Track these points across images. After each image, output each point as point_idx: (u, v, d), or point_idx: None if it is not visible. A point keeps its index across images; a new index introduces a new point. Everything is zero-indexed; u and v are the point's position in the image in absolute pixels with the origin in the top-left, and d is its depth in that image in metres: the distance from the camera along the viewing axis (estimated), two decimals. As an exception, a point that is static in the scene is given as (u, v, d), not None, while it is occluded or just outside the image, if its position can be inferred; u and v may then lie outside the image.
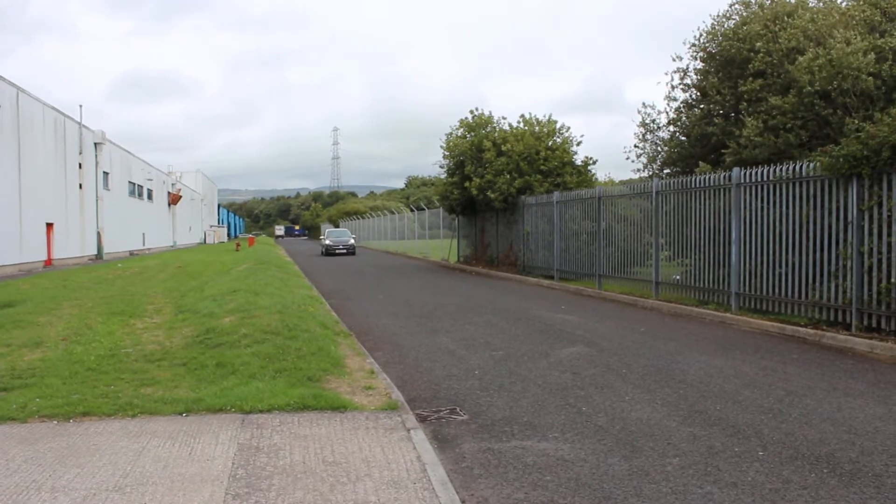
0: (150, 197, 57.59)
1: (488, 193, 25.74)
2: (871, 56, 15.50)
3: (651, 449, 6.11)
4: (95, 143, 40.12)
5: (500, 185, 25.45)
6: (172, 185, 68.24)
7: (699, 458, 5.86)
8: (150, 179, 57.08)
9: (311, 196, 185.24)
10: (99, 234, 40.42)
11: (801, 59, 16.42)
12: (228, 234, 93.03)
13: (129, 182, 50.34)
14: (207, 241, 76.70)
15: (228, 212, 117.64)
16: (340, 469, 5.47)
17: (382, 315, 15.19)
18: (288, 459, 5.68)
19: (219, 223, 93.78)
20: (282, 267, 26.95)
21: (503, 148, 26.18)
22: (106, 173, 42.72)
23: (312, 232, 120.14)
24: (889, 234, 10.48)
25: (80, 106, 37.69)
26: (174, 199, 66.89)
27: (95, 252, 39.95)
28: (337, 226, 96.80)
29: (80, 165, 37.68)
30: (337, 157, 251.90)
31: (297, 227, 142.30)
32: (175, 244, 66.55)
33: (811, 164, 12.09)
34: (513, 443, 6.36)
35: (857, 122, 13.21)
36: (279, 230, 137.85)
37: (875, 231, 10.74)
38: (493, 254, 28.12)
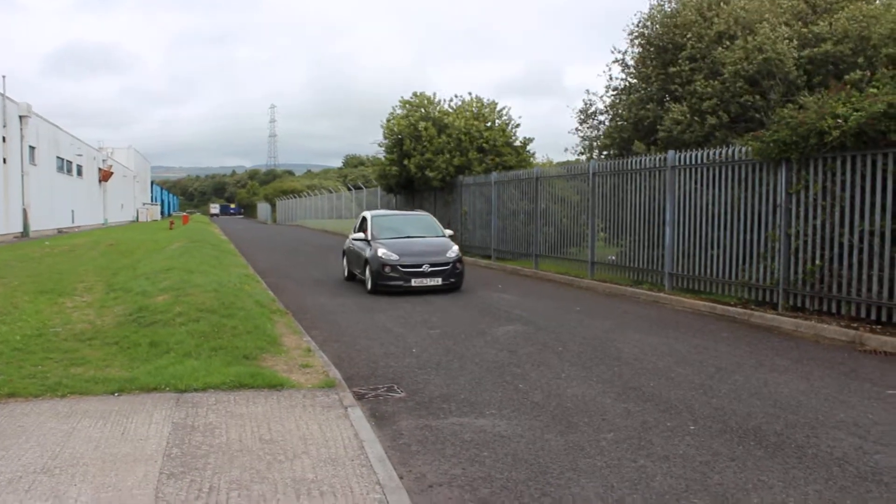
0: (79, 173, 55.74)
1: (427, 172, 25.70)
2: (795, 43, 15.92)
3: (586, 424, 6.23)
4: (20, 116, 38.59)
5: (438, 165, 25.43)
6: (104, 161, 66.31)
7: (633, 432, 6.00)
8: (80, 155, 55.20)
9: (248, 174, 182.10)
10: (25, 211, 39.02)
11: (729, 44, 16.78)
12: (162, 213, 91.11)
13: (58, 157, 48.52)
14: (140, 219, 74.98)
15: (162, 189, 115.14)
16: (277, 447, 5.44)
17: (320, 293, 15.11)
18: (224, 438, 5.62)
19: (152, 201, 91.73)
20: (217, 245, 26.49)
21: (443, 127, 26.14)
22: (32, 148, 41.12)
23: (248, 210, 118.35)
24: (814, 218, 10.81)
25: (3, 77, 36.17)
26: (105, 176, 65.06)
27: (21, 230, 38.62)
28: (273, 205, 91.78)
29: (2, 139, 36.31)
30: (274, 134, 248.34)
31: (232, 206, 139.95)
32: (106, 222, 64.85)
33: (743, 149, 12.37)
34: (450, 419, 6.41)
35: (781, 108, 13.53)
36: (214, 208, 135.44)
37: (802, 214, 11.06)
38: (431, 233, 28.08)
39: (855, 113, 10.00)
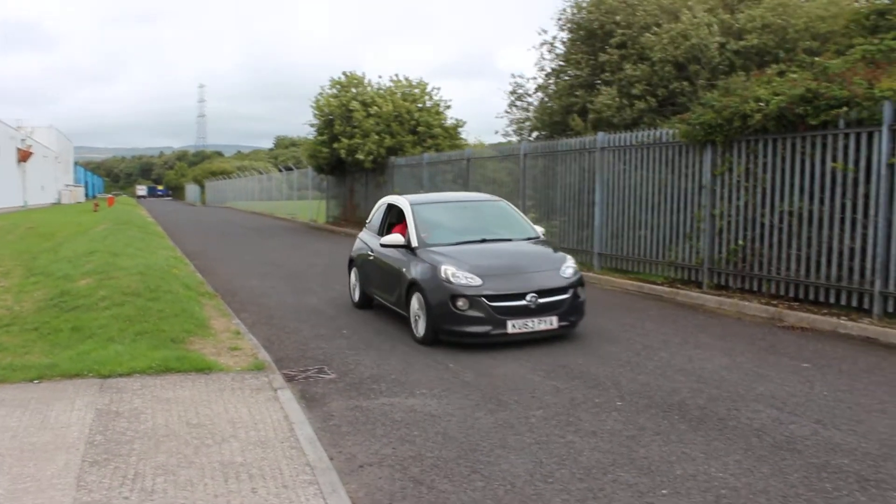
0: (-5, 153, 53.72)
1: (357, 154, 25.51)
2: (716, 29, 16.29)
3: (516, 402, 6.30)
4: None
5: (369, 146, 25.27)
6: (22, 140, 63.96)
7: (561, 409, 6.09)
8: (-4, 134, 53.16)
9: (176, 155, 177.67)
10: (-64, 193, 37.49)
11: (655, 30, 17.08)
12: (86, 195, 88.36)
13: (-30, 136, 46.64)
14: (63, 202, 72.58)
15: (86, 171, 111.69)
16: (205, 431, 5.37)
17: (249, 276, 14.89)
18: (150, 423, 5.52)
19: (75, 182, 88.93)
20: (143, 227, 25.86)
21: (373, 109, 25.97)
22: (-57, 126, 39.46)
23: (177, 192, 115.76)
24: (738, 199, 11.10)
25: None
26: (24, 157, 62.68)
27: (-67, 212, 37.08)
28: (202, 187, 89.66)
29: None
30: (203, 115, 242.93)
31: (160, 188, 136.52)
32: (26, 204, 62.61)
33: (670, 131, 12.60)
34: (381, 400, 6.41)
35: (707, 93, 13.83)
36: (141, 190, 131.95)
37: (726, 195, 11.34)
38: (363, 214, 27.89)
39: (776, 97, 10.26)
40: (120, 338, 7.91)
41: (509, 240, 9.60)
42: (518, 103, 23.37)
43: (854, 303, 9.45)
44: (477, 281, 8.25)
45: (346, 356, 8.02)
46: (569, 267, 8.86)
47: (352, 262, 11.38)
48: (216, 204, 72.88)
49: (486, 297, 8.13)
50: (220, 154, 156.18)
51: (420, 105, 26.92)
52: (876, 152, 9.16)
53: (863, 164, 9.34)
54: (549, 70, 22.31)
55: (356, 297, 11.10)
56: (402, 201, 10.29)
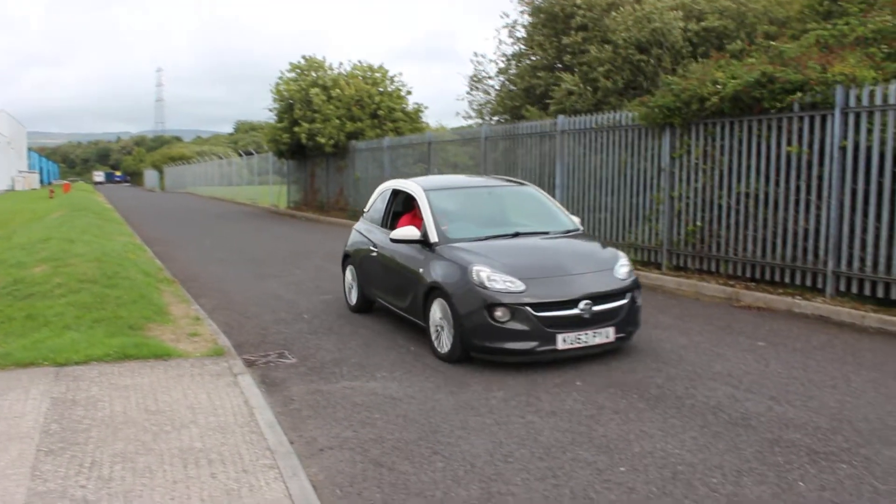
0: (-56, 139, 52.34)
1: (318, 138, 25.31)
2: (679, 13, 16.42)
3: (477, 384, 6.33)
4: None
5: (329, 130, 25.09)
6: (-28, 125, 62.48)
7: (521, 390, 6.13)
8: (-56, 119, 51.74)
9: (134, 140, 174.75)
10: None
11: (616, 13, 17.17)
12: (41, 181, 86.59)
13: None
14: (17, 188, 71.14)
15: (40, 156, 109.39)
16: (164, 417, 5.32)
17: (209, 262, 14.74)
18: (108, 411, 5.46)
19: (29, 169, 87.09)
20: (100, 214, 25.45)
21: (333, 93, 25.78)
22: None
23: (135, 178, 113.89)
24: (696, 181, 11.23)
25: None
26: (-25, 142, 61.32)
27: None
28: (161, 172, 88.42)
29: None
30: (161, 99, 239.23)
31: (118, 173, 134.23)
32: (-23, 191, 61.30)
33: (630, 114, 12.69)
34: (341, 384, 6.40)
35: (668, 76, 13.94)
36: (98, 176, 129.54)
37: (684, 177, 11.46)
38: (324, 199, 27.81)
39: (732, 80, 10.38)
40: (76, 325, 7.78)
41: (546, 233, 8.04)
42: (479, 86, 23.38)
43: (808, 282, 9.64)
44: (519, 285, 6.68)
45: (306, 340, 7.99)
46: (623, 266, 7.39)
47: (347, 259, 9.78)
48: (176, 190, 71.95)
49: (530, 305, 6.59)
50: (179, 139, 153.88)
51: (381, 89, 26.79)
52: (829, 135, 9.32)
53: (816, 146, 9.51)
54: (511, 54, 22.35)
55: (353, 299, 9.49)
56: (412, 187, 8.63)
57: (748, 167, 10.40)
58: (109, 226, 20.49)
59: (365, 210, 9.94)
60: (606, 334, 6.82)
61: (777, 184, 10.01)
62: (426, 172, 19.92)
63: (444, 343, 7.07)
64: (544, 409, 5.68)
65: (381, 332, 8.30)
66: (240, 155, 49.70)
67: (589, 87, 17.36)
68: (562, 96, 17.64)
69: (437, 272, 7.26)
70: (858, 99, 9.04)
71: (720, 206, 10.83)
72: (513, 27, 21.98)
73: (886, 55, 9.93)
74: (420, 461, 4.71)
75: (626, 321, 7.04)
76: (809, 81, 9.50)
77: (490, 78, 23.37)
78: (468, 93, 23.48)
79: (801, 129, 9.71)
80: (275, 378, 6.64)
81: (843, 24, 11.98)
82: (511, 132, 16.25)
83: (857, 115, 9.05)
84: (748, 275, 10.41)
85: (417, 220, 8.26)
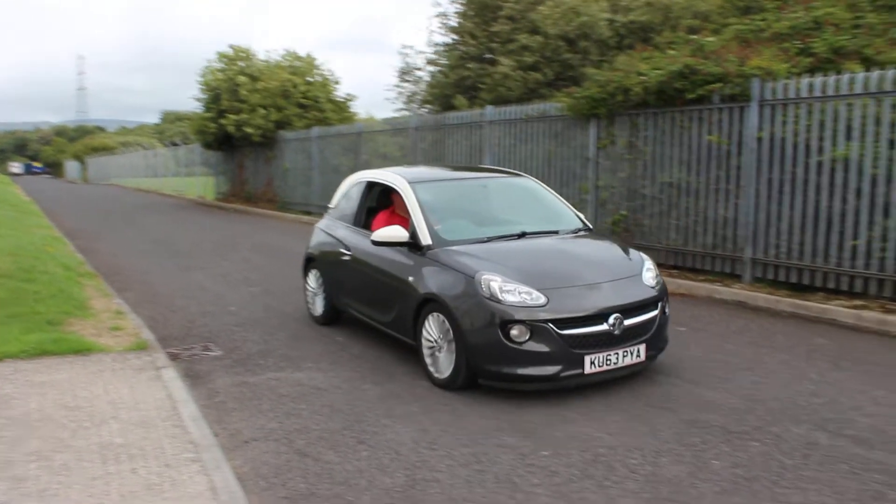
0: None
1: (245, 128, 24.92)
2: (605, 5, 16.69)
3: (403, 374, 6.35)
4: None
5: (257, 120, 24.72)
6: None
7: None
8: None
9: (54, 130, 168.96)
10: None
11: (543, 7, 17.35)
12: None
13: None
14: (-72, 180, 68.17)
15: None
16: (83, 414, 5.20)
17: (133, 254, 14.39)
18: (23, 409, 5.30)
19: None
20: (18, 206, 24.62)
21: (260, 84, 25.40)
22: None
23: (56, 169, 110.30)
24: (621, 171, 11.44)
25: None
26: None
27: None
28: (84, 163, 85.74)
29: None
30: (83, 88, 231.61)
31: (37, 165, 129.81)
32: None
33: (557, 105, 12.85)
34: (267, 375, 6.35)
35: (594, 68, 14.18)
36: (16, 167, 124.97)
37: (609, 167, 11.67)
38: (252, 190, 27.42)
39: (656, 72, 10.60)
40: (-10, 321, 7.53)
41: (555, 232, 6.92)
42: (409, 77, 23.36)
43: (728, 269, 9.94)
44: (538, 297, 5.58)
45: (232, 333, 7.89)
46: (649, 270, 6.36)
47: (311, 262, 8.52)
48: (99, 181, 69.95)
49: (553, 321, 5.51)
50: (102, 129, 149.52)
51: (309, 79, 26.50)
52: (747, 126, 9.61)
53: (735, 137, 9.79)
54: (442, 43, 22.41)
55: (318, 309, 8.27)
56: (393, 179, 7.33)
57: (671, 157, 10.65)
58: (27, 218, 19.84)
59: (330, 206, 8.69)
60: (637, 353, 5.80)
61: (698, 173, 10.28)
62: (355, 163, 19.82)
63: (443, 367, 5.92)
64: (469, 396, 5.73)
65: (309, 325, 8.25)
66: (166, 146, 48.51)
67: (522, 74, 17.51)
68: (497, 81, 17.76)
69: (432, 281, 6.08)
70: (774, 92, 9.34)
71: (644, 196, 11.06)
72: (445, 16, 22.04)
73: (800, 50, 10.27)
74: (345, 450, 4.72)
75: (657, 336, 6.04)
76: (728, 74, 9.77)
77: (420, 69, 23.42)
78: (398, 85, 23.43)
79: (720, 121, 9.98)
80: (199, 371, 6.54)
81: (760, 19, 12.33)
82: (440, 122, 16.30)
83: (773, 108, 9.35)
84: (672, 262, 10.68)
85: (397, 218, 7.22)
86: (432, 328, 6.05)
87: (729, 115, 9.86)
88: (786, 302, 8.68)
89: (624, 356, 5.71)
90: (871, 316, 7.85)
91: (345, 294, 7.75)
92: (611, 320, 5.65)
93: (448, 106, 20.22)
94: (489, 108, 14.64)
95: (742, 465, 4.38)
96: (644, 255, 6.65)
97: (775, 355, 6.73)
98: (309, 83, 26.17)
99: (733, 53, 10.20)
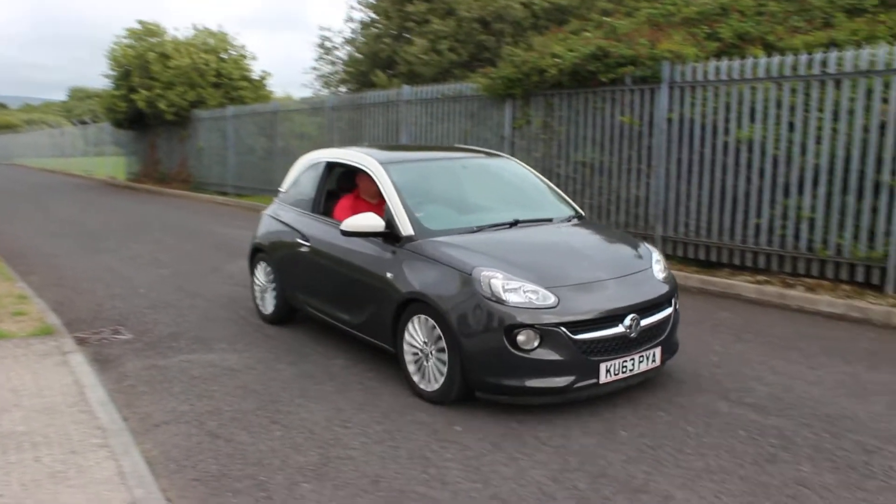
0: None
1: (158, 106, 24.21)
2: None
3: (318, 354, 6.33)
4: None
5: (170, 98, 24.05)
6: None
7: (362, 357, 6.17)
8: None
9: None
10: None
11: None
12: None
13: None
14: None
15: None
16: (-18, 401, 5.01)
17: (38, 237, 13.87)
18: (-84, 396, 5.08)
19: None
20: (-88, 187, 23.46)
21: (173, 60, 24.69)
22: None
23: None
24: (536, 150, 11.58)
25: None
26: None
27: None
28: None
29: None
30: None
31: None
32: None
33: (473, 85, 12.91)
34: (179, 357, 6.23)
35: (510, 48, 14.26)
36: None
37: (525, 147, 11.80)
38: (166, 170, 26.73)
39: (570, 54, 10.74)
40: None
41: (549, 220, 6.19)
42: (326, 56, 23.10)
43: (639, 247, 10.19)
44: (547, 297, 4.86)
45: (143, 315, 7.71)
46: (658, 262, 5.74)
47: (258, 254, 7.53)
48: (1, 161, 67.09)
49: (566, 325, 4.81)
50: (4, 106, 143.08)
51: (223, 56, 25.89)
52: (657, 108, 9.84)
53: (646, 118, 10.02)
54: (359, 21, 22.20)
55: (269, 307, 7.34)
56: (360, 158, 6.45)
57: (584, 137, 10.83)
58: (-77, 200, 18.89)
59: (281, 189, 7.68)
60: (653, 357, 5.17)
61: (611, 153, 10.49)
62: (272, 143, 19.52)
63: (432, 378, 5.17)
64: (384, 373, 5.75)
65: (222, 305, 8.12)
66: (74, 124, 46.72)
67: (436, 56, 17.51)
68: (410, 61, 17.71)
69: (417, 278, 5.28)
70: (683, 75, 9.59)
71: (559, 175, 11.22)
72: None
73: (707, 35, 10.55)
74: (258, 431, 4.68)
75: (671, 337, 5.45)
76: (640, 57, 9.97)
77: (337, 48, 23.16)
78: (315, 65, 23.15)
79: (632, 102, 10.20)
80: (108, 355, 6.37)
81: (670, 3, 12.59)
82: (357, 102, 16.20)
83: (682, 90, 9.60)
84: (585, 241, 10.88)
85: (363, 204, 6.52)
86: (417, 333, 5.26)
87: (640, 96, 10.08)
88: (694, 278, 8.97)
89: (640, 361, 5.07)
90: (772, 290, 8.18)
91: (302, 291, 6.81)
92: (627, 322, 4.97)
93: (366, 84, 20.09)
94: (406, 88, 14.61)
95: (648, 434, 4.53)
96: (651, 247, 6.04)
97: (683, 329, 6.88)
98: (223, 60, 25.58)
99: (645, 37, 10.41)
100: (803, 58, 8.44)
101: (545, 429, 4.63)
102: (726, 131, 9.17)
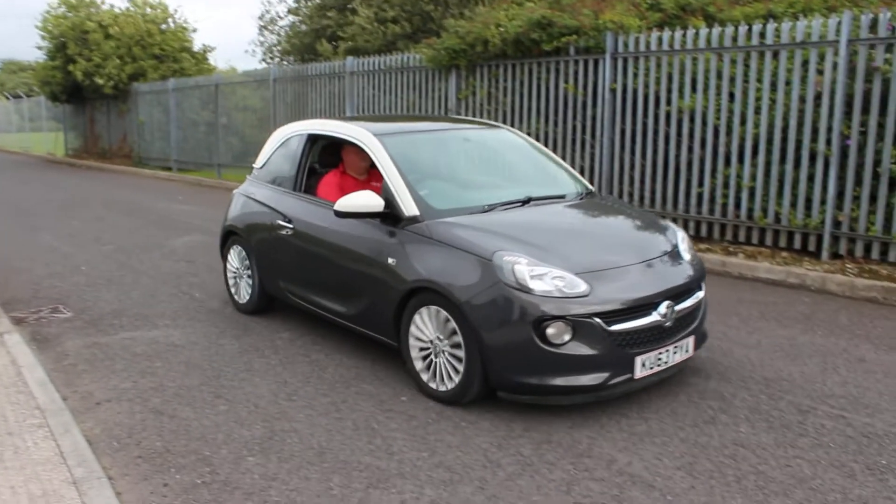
0: None
1: (96, 79, 23.57)
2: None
3: (263, 327, 6.28)
4: None
5: (109, 71, 23.42)
6: None
7: (308, 329, 6.14)
8: None
9: None
10: None
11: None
12: None
13: None
14: None
15: None
16: (-88, 385, 4.87)
17: (-28, 215, 13.46)
18: None
19: None
20: None
21: (111, 30, 24.01)
22: None
23: None
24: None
25: None
26: None
27: None
28: None
29: None
30: None
31: None
32: None
33: (417, 56, 12.83)
34: (121, 335, 6.13)
35: (454, 19, 14.20)
36: None
37: (470, 118, 11.79)
38: (106, 145, 26.10)
39: (513, 23, 10.73)
40: None
41: (562, 197, 5.59)
42: (269, 27, 22.71)
43: (584, 217, 10.29)
44: (577, 284, 4.33)
45: (84, 293, 7.55)
46: (683, 241, 5.22)
47: (231, 237, 6.86)
48: (-68, 137, 64.73)
49: (600, 315, 4.29)
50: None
51: (163, 27, 25.28)
52: (601, 78, 9.90)
53: (590, 88, 10.08)
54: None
55: (244, 295, 6.70)
56: (349, 130, 5.80)
57: (529, 108, 10.86)
58: None
59: (256, 166, 6.90)
60: (686, 347, 4.72)
61: (556, 123, 10.54)
62: (215, 117, 19.18)
63: (445, 376, 4.63)
64: (330, 346, 5.73)
65: (164, 281, 7.98)
66: (8, 98, 45.28)
67: (381, 27, 17.34)
68: (354, 33, 17.51)
69: (425, 265, 4.70)
70: (626, 45, 9.64)
71: (504, 147, 11.24)
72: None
73: (650, 5, 10.61)
74: (202, 406, 4.63)
75: (702, 324, 4.99)
76: (583, 27, 10.00)
77: (281, 18, 22.79)
78: (258, 36, 22.76)
79: (576, 72, 10.24)
80: (47, 334, 6.23)
81: (614, -27, 12.62)
82: (301, 73, 15.99)
83: (625, 60, 9.66)
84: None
85: (349, 180, 6.03)
86: (426, 326, 4.70)
87: (584, 66, 10.13)
88: (637, 247, 9.09)
89: (674, 352, 4.62)
90: (714, 258, 8.34)
91: (284, 278, 6.14)
92: (662, 309, 4.48)
93: (310, 56, 19.82)
94: (350, 59, 14.46)
95: (591, 402, 4.59)
96: (672, 224, 5.53)
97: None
98: (163, 32, 24.98)
99: (588, 7, 10.43)
100: (743, 29, 8.55)
101: (490, 397, 4.67)
102: (669, 101, 9.27)
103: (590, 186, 5.95)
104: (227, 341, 5.91)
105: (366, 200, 5.01)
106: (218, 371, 5.24)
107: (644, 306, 4.43)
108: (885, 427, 4.24)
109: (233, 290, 6.88)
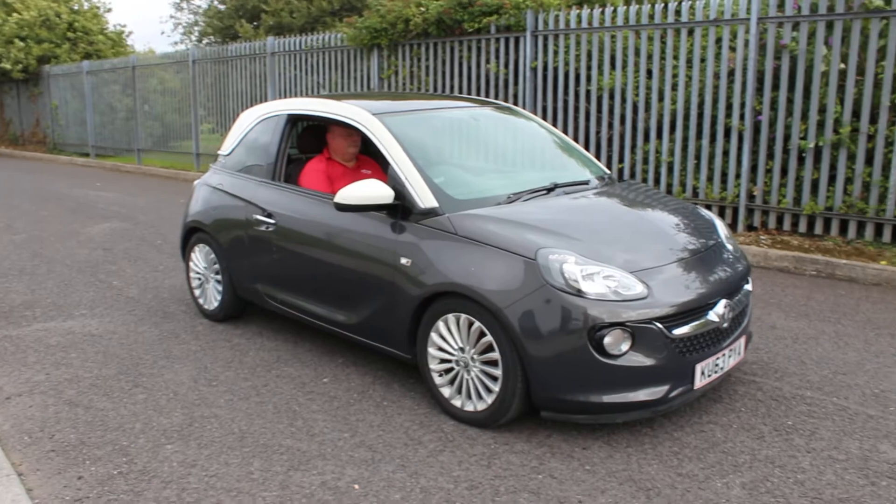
0: None
1: (2, 63, 22.61)
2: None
3: (183, 313, 6.16)
4: None
5: (15, 54, 22.47)
6: None
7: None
8: None
9: None
10: None
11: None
12: None
13: None
14: None
15: None
16: None
17: None
18: None
19: None
20: None
21: (16, 9, 23.03)
22: None
23: None
24: (405, 101, 11.54)
25: None
26: None
27: None
28: None
29: None
30: None
31: None
32: None
33: (338, 35, 12.69)
34: (34, 326, 5.93)
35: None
36: None
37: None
38: (17, 132, 25.10)
39: (435, 2, 10.69)
40: None
41: (586, 183, 4.93)
42: (185, 6, 22.14)
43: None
44: (633, 285, 3.77)
45: (-7, 284, 7.28)
46: (723, 228, 4.77)
47: (196, 235, 6.01)
48: None
49: (660, 320, 3.73)
50: None
51: (74, 6, 24.36)
52: (522, 56, 9.96)
53: (512, 66, 10.13)
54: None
55: (213, 301, 5.90)
56: (343, 109, 4.93)
57: (452, 86, 10.87)
58: None
59: (222, 153, 6.01)
60: (739, 349, 4.24)
61: (478, 103, 10.55)
62: (133, 100, 18.64)
63: (474, 394, 4.02)
64: (252, 330, 5.66)
65: (81, 270, 7.75)
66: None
67: (304, 3, 17.09)
68: (278, 8, 17.22)
69: (450, 265, 4.01)
70: (546, 23, 9.71)
71: (428, 127, 11.23)
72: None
73: (569, -18, 10.72)
74: (120, 396, 4.53)
75: (747, 325, 4.44)
76: (504, 5, 10.03)
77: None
78: (172, 15, 22.15)
79: (498, 50, 10.29)
80: (-46, 328, 6.00)
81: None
82: (221, 54, 15.66)
83: (546, 38, 9.74)
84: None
85: (337, 167, 5.36)
86: (452, 337, 4.06)
87: (505, 45, 10.18)
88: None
89: (729, 356, 4.11)
90: (634, 233, 8.49)
91: (263, 280, 5.35)
92: (720, 309, 3.97)
93: (231, 36, 19.41)
94: (270, 39, 14.22)
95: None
96: (705, 210, 5.04)
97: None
98: (74, 12, 24.07)
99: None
100: (659, 7, 8.70)
101: (411, 375, 4.68)
102: (588, 79, 9.39)
103: (606, 170, 5.37)
104: (145, 329, 5.78)
105: (373, 191, 4.26)
106: (137, 359, 5.13)
107: (703, 307, 3.91)
108: (792, 390, 4.41)
109: (198, 295, 6.06)
